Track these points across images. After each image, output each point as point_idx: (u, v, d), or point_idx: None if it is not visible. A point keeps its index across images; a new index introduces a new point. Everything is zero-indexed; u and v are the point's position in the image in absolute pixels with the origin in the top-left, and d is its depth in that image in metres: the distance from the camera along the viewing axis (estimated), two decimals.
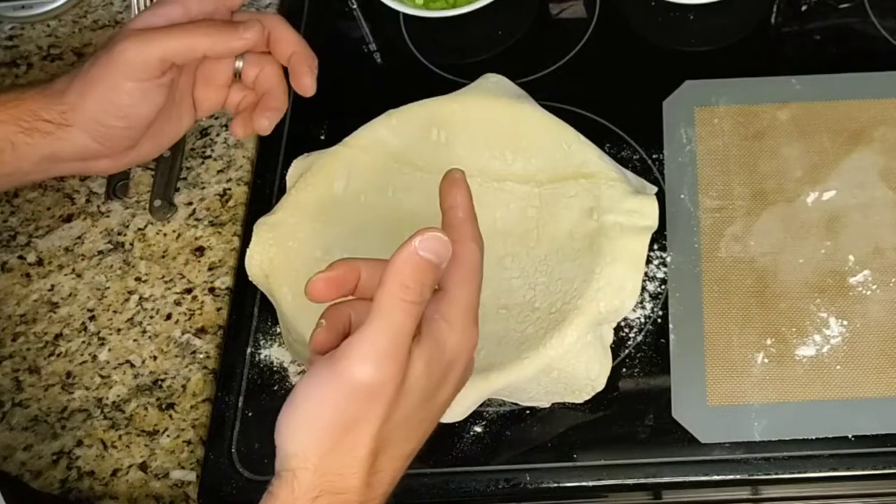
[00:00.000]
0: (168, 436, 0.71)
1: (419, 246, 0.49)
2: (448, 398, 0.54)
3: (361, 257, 0.55)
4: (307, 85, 0.67)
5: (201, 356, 0.74)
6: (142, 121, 0.63)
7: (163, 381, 0.73)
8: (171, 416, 0.72)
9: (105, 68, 0.61)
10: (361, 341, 0.48)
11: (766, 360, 0.71)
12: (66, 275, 0.77)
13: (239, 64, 0.68)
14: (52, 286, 0.77)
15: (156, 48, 0.61)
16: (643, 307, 0.73)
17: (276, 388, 0.73)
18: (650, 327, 0.73)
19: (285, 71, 0.69)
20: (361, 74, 0.88)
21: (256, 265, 0.71)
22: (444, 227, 0.53)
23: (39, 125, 0.61)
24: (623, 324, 0.73)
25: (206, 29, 0.62)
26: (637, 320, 0.73)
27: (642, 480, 0.68)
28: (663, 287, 0.74)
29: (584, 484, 0.68)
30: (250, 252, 0.72)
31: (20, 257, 0.78)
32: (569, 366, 0.67)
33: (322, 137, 0.82)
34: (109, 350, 0.74)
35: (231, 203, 0.80)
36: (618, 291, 0.69)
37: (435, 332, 0.51)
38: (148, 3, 0.89)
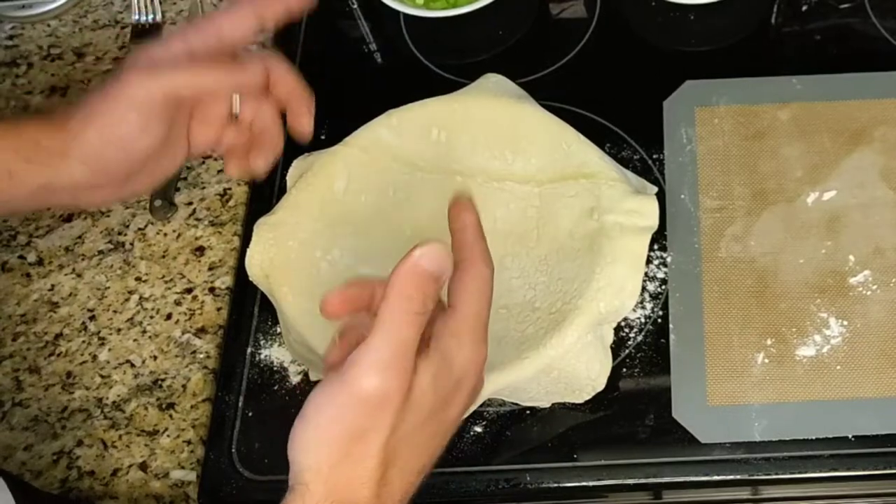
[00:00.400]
0: (168, 436, 0.71)
1: (420, 258, 0.50)
2: (458, 415, 0.54)
3: (376, 276, 0.55)
4: (304, 125, 0.68)
5: (201, 356, 0.74)
6: (140, 154, 0.63)
7: (163, 380, 0.73)
8: (171, 415, 0.72)
9: (110, 101, 0.61)
10: (366, 352, 0.49)
11: (766, 361, 0.71)
12: (66, 274, 0.77)
13: (236, 104, 0.68)
14: (53, 286, 0.77)
15: (161, 83, 0.61)
16: (643, 307, 0.73)
17: (276, 388, 0.73)
18: (650, 327, 0.73)
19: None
20: (361, 74, 0.88)
21: (257, 265, 0.71)
22: (454, 247, 0.54)
23: (39, 154, 0.61)
24: (623, 324, 0.73)
25: (211, 66, 0.63)
26: (637, 320, 0.73)
27: (642, 480, 0.68)
28: (663, 287, 0.74)
29: (584, 484, 0.68)
30: (250, 252, 0.71)
31: (20, 257, 0.78)
32: (569, 366, 0.67)
33: (322, 137, 0.82)
34: (110, 350, 0.74)
35: (231, 203, 0.80)
36: (618, 291, 0.69)
37: (443, 347, 0.51)
38: (149, 4, 0.89)
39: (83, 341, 0.75)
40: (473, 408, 0.67)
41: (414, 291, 0.50)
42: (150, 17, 0.89)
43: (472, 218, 0.55)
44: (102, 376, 0.73)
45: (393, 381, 0.48)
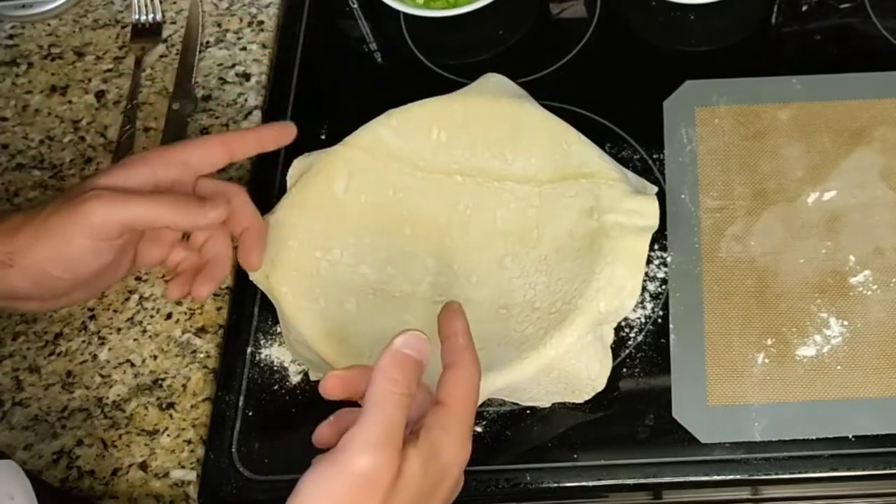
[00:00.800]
0: (168, 435, 0.71)
1: (402, 344, 0.54)
2: None
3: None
4: (254, 260, 0.69)
5: (201, 356, 0.74)
6: (85, 275, 0.63)
7: (163, 380, 0.73)
8: (171, 415, 0.72)
9: (65, 220, 0.61)
10: (357, 433, 0.52)
11: (766, 360, 0.71)
12: None
13: None
14: None
15: (120, 213, 0.61)
16: (643, 307, 0.73)
17: (276, 387, 0.73)
18: (650, 327, 0.73)
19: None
20: (361, 74, 0.88)
21: None
22: (445, 350, 0.57)
23: None
24: (623, 324, 0.73)
25: (173, 202, 0.63)
26: (637, 320, 0.73)
27: (642, 480, 0.68)
28: (664, 287, 0.74)
29: (584, 484, 0.68)
30: None
31: None
32: (569, 366, 0.67)
33: (322, 137, 0.82)
34: (110, 349, 0.74)
35: None
36: (618, 291, 0.69)
37: (433, 437, 0.54)
38: (149, 3, 0.89)
39: (83, 341, 0.75)
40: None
41: (398, 375, 0.53)
42: (150, 16, 0.89)
43: (462, 325, 0.59)
44: (102, 376, 0.73)
45: (383, 459, 0.51)
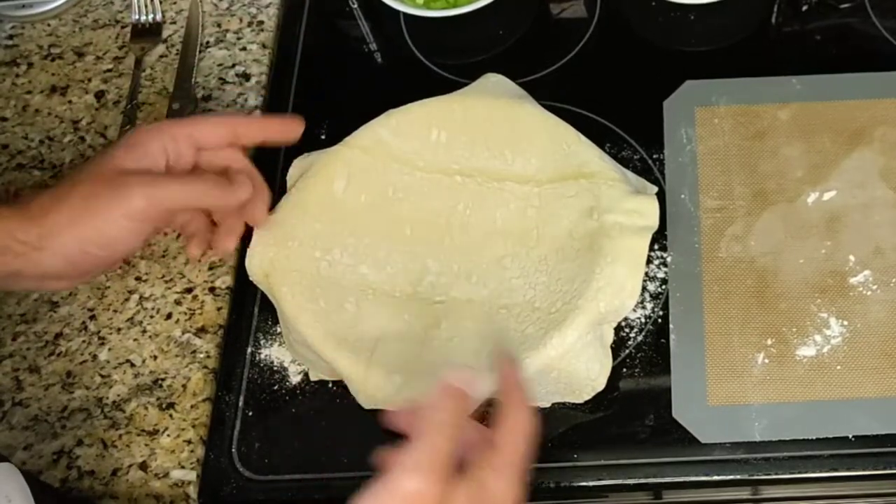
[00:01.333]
0: (168, 435, 0.71)
1: (451, 378, 0.58)
2: None
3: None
4: (259, 215, 0.71)
5: (201, 356, 0.74)
6: (122, 253, 0.66)
7: (163, 380, 0.73)
8: (171, 415, 0.72)
9: (106, 203, 0.63)
10: (406, 458, 0.54)
11: (766, 360, 0.71)
12: None
13: None
14: None
15: (160, 198, 0.64)
16: (643, 307, 0.73)
17: (276, 387, 0.73)
18: (650, 327, 0.73)
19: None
20: (361, 74, 0.88)
21: (257, 265, 0.71)
22: (501, 394, 0.60)
23: (13, 245, 0.62)
24: (623, 324, 0.73)
25: (208, 186, 0.66)
26: (637, 320, 0.73)
27: (642, 480, 0.68)
28: (664, 287, 0.74)
29: (584, 484, 0.68)
30: (251, 252, 0.72)
31: None
32: (569, 366, 0.67)
33: (322, 137, 0.82)
34: (109, 349, 0.74)
35: None
36: (618, 291, 0.69)
37: (480, 476, 0.56)
38: (149, 3, 0.89)
39: (83, 341, 0.75)
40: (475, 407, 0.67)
41: (446, 406, 0.57)
42: (150, 16, 0.89)
43: (517, 371, 0.62)
44: (102, 376, 0.73)
45: (428, 483, 0.53)
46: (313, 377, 0.72)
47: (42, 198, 0.64)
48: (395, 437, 0.69)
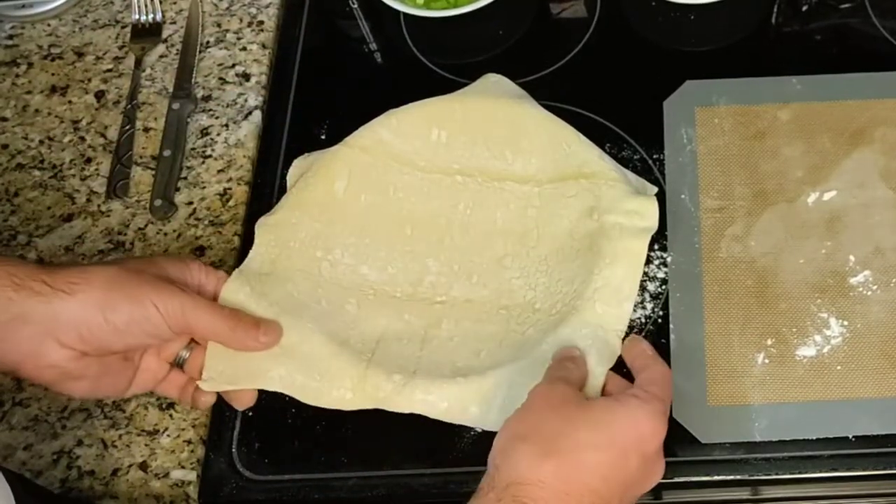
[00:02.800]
0: (168, 435, 0.71)
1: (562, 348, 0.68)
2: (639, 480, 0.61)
3: None
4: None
5: None
6: (130, 347, 0.64)
7: None
8: (171, 415, 0.72)
9: (145, 288, 0.62)
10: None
11: (766, 361, 0.71)
12: None
13: (184, 353, 0.68)
14: None
15: (198, 316, 0.64)
16: (643, 307, 0.73)
17: None
18: (650, 327, 0.73)
19: None
20: (361, 74, 0.88)
21: (257, 264, 0.71)
22: (636, 367, 0.67)
23: (34, 284, 0.60)
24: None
25: (235, 322, 0.66)
26: (637, 320, 0.73)
27: None
28: (664, 287, 0.74)
29: None
30: (253, 254, 0.72)
31: (21, 256, 0.78)
32: None
33: (322, 137, 0.82)
34: None
35: (231, 203, 0.80)
36: (615, 293, 0.69)
37: (624, 395, 0.63)
38: (149, 3, 0.89)
39: None
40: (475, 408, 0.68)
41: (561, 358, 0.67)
42: (150, 16, 0.89)
43: (647, 344, 0.69)
44: None
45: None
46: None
47: (68, 269, 0.63)
48: (395, 437, 0.69)
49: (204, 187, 0.80)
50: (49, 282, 0.61)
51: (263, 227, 0.73)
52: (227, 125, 0.83)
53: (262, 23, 0.89)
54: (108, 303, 0.61)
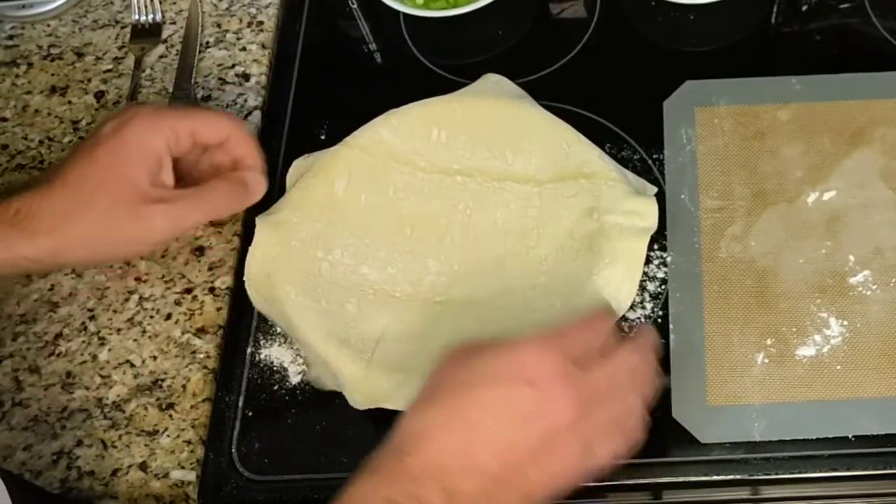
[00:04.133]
0: (168, 436, 0.71)
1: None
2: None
3: None
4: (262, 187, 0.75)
5: (201, 356, 0.74)
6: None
7: (163, 380, 0.73)
8: (171, 415, 0.72)
9: (126, 233, 0.68)
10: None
11: (766, 360, 0.71)
12: (66, 274, 0.77)
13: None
14: (52, 286, 0.77)
15: (184, 225, 0.71)
16: (643, 307, 0.73)
17: (276, 387, 0.73)
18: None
19: None
20: (361, 74, 0.88)
21: (258, 264, 0.71)
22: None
23: (22, 263, 0.66)
24: (623, 324, 0.73)
25: (224, 196, 0.72)
26: (637, 320, 0.73)
27: (642, 480, 0.68)
28: (663, 287, 0.74)
29: (584, 484, 0.68)
30: (252, 251, 0.72)
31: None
32: None
33: (322, 137, 0.82)
34: (109, 350, 0.74)
35: None
36: (615, 293, 0.69)
37: (612, 356, 0.62)
38: (149, 4, 0.89)
39: (83, 341, 0.75)
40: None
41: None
42: (150, 17, 0.89)
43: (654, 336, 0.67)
44: (102, 376, 0.73)
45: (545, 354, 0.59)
46: (313, 376, 0.72)
47: (43, 210, 0.64)
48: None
49: None
50: (32, 256, 0.66)
51: (265, 225, 0.73)
52: None
53: (261, 23, 0.89)
54: (96, 255, 0.71)
